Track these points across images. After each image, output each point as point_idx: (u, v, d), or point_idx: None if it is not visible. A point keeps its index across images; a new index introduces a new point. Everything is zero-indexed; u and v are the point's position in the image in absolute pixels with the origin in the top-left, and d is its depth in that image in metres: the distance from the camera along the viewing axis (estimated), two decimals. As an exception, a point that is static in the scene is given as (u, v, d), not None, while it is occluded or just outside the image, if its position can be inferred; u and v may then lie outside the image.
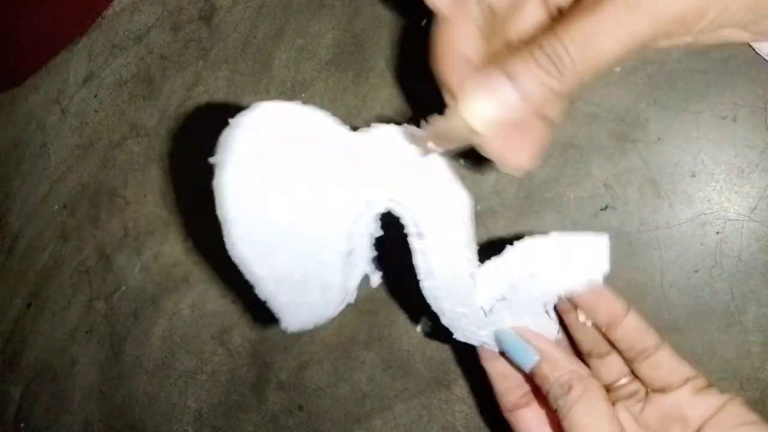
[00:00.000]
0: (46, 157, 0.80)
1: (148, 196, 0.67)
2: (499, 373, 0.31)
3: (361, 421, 0.49)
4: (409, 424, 0.47)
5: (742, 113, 0.37)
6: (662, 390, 0.29)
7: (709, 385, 0.29)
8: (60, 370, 0.71)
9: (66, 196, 0.76)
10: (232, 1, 0.65)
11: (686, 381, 0.29)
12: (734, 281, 0.37)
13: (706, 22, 0.21)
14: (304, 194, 0.24)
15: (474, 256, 0.27)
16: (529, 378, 0.30)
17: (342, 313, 0.52)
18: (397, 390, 0.48)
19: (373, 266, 0.28)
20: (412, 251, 0.26)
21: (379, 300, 0.49)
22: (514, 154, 0.25)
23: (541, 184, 0.42)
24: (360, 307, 0.50)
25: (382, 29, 0.53)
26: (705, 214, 0.38)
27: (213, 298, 0.59)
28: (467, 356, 0.45)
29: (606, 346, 0.30)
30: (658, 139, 0.39)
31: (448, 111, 0.23)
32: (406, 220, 0.26)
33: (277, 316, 0.28)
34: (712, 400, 0.28)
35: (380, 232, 0.27)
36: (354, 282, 0.28)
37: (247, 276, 0.26)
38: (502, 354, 0.30)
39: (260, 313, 0.29)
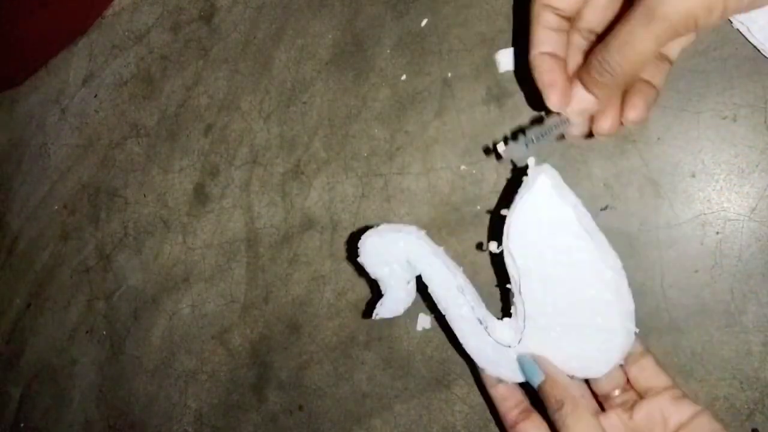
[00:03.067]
0: (46, 157, 0.80)
1: (148, 196, 0.67)
2: (501, 396, 0.38)
3: (361, 421, 0.49)
4: (409, 424, 0.47)
5: (743, 113, 0.37)
6: (646, 393, 0.35)
7: (685, 396, 0.34)
8: (60, 370, 0.71)
9: (66, 196, 0.76)
10: (232, 1, 0.65)
11: (666, 389, 0.34)
12: (734, 281, 0.36)
13: (716, 17, 0.26)
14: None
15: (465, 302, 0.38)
16: (531, 395, 0.37)
17: (342, 313, 0.52)
18: (397, 390, 0.48)
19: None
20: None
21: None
22: (629, 111, 0.34)
23: (541, 184, 0.43)
24: (359, 306, 0.50)
25: (383, 29, 0.53)
26: (705, 214, 0.38)
27: (213, 298, 0.59)
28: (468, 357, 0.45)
29: None
30: (658, 139, 0.39)
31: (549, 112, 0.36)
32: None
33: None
34: (688, 408, 0.33)
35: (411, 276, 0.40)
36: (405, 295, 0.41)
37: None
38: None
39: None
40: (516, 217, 0.35)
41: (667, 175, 0.39)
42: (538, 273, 0.35)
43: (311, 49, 0.57)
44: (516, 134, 0.42)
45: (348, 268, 0.51)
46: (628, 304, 0.34)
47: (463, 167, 0.47)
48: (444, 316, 0.39)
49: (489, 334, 0.37)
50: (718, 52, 0.38)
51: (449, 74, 0.48)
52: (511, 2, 0.46)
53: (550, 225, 0.34)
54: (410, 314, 0.47)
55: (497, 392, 0.38)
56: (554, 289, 0.35)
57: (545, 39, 0.34)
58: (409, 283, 0.40)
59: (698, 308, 0.37)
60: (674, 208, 0.38)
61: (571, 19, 0.35)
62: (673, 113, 0.39)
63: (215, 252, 0.60)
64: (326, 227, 0.53)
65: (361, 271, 0.50)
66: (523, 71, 0.45)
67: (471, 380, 0.44)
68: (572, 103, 0.34)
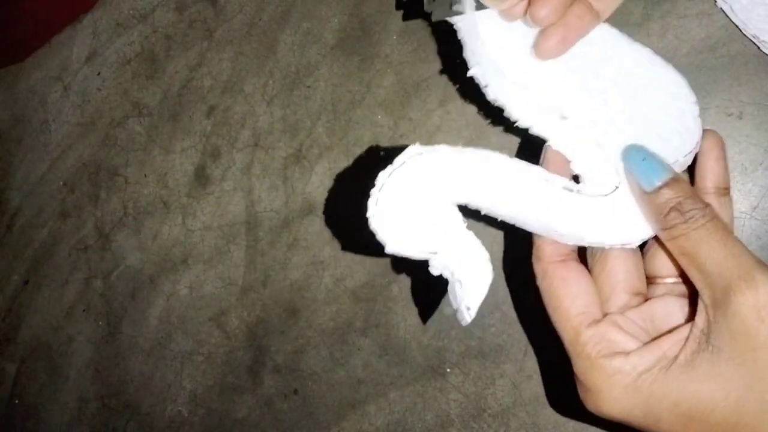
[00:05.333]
0: (47, 134, 0.80)
1: (149, 176, 0.67)
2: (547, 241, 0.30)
3: (356, 406, 0.49)
4: (403, 411, 0.47)
5: (748, 111, 0.37)
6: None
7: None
8: (56, 348, 0.71)
9: (66, 174, 0.76)
10: (239, -17, 0.65)
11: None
12: (733, 278, 0.37)
13: None
14: None
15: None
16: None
17: (340, 299, 0.52)
18: (392, 377, 0.48)
19: None
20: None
21: (377, 287, 0.49)
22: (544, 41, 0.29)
23: (543, 176, 0.42)
24: (357, 293, 0.50)
25: (389, 15, 0.52)
26: (706, 210, 0.38)
27: (211, 280, 0.59)
28: (464, 346, 0.45)
29: None
30: (663, 134, 0.39)
31: None
32: None
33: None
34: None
35: None
36: None
37: None
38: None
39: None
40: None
41: (670, 170, 0.39)
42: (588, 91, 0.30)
43: (317, 33, 0.57)
44: None
45: (347, 254, 0.51)
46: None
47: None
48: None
49: (580, 191, 0.28)
50: (726, 49, 0.38)
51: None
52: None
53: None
54: (406, 303, 0.47)
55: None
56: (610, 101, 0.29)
57: None
58: (461, 229, 0.28)
59: (696, 304, 0.37)
60: (676, 204, 0.38)
61: None
62: (679, 108, 0.39)
63: (214, 234, 0.60)
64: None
65: (361, 258, 0.50)
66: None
67: (466, 369, 0.45)
68: None
